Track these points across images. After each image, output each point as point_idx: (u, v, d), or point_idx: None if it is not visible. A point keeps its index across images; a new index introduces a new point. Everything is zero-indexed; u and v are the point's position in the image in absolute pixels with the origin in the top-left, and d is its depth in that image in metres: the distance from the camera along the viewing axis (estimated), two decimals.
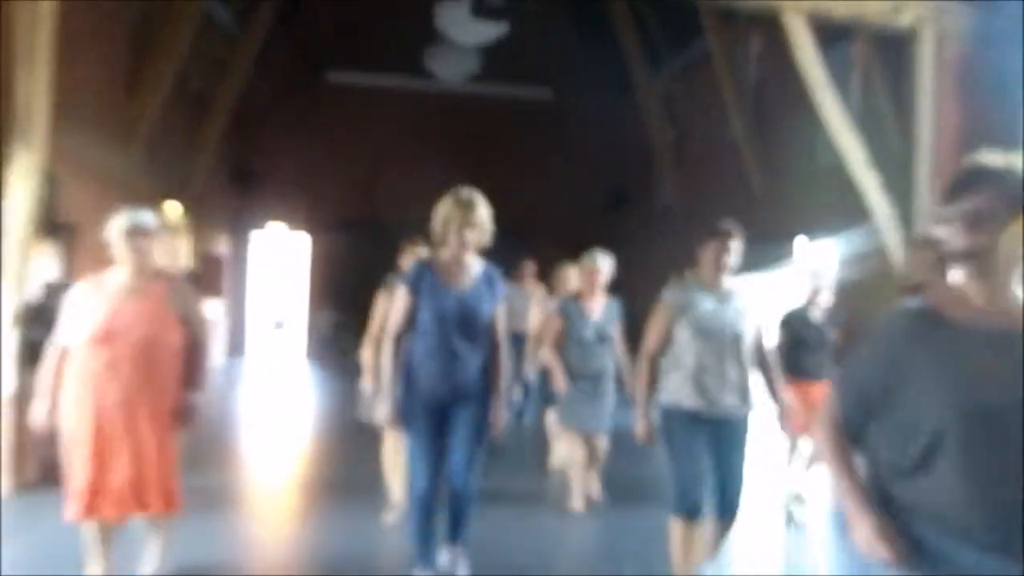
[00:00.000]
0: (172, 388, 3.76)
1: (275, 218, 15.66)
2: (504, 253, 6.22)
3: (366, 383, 5.19)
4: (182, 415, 3.80)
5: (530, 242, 10.19)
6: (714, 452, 3.86)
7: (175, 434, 3.82)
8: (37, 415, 3.72)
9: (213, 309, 13.50)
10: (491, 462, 5.62)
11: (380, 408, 4.13)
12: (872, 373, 2.06)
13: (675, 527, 3.89)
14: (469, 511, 4.07)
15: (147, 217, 3.78)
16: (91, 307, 3.66)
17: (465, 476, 3.96)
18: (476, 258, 4.01)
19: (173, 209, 11.30)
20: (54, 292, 6.12)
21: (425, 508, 3.97)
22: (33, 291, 6.02)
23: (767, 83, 11.07)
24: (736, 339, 3.88)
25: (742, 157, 11.07)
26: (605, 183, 15.89)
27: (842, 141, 7.16)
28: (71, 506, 3.66)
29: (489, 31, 11.49)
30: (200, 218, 12.63)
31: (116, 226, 3.69)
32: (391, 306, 4.24)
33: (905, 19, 6.86)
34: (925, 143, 6.89)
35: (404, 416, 3.95)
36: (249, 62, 12.88)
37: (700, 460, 3.82)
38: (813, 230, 9.24)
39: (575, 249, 6.45)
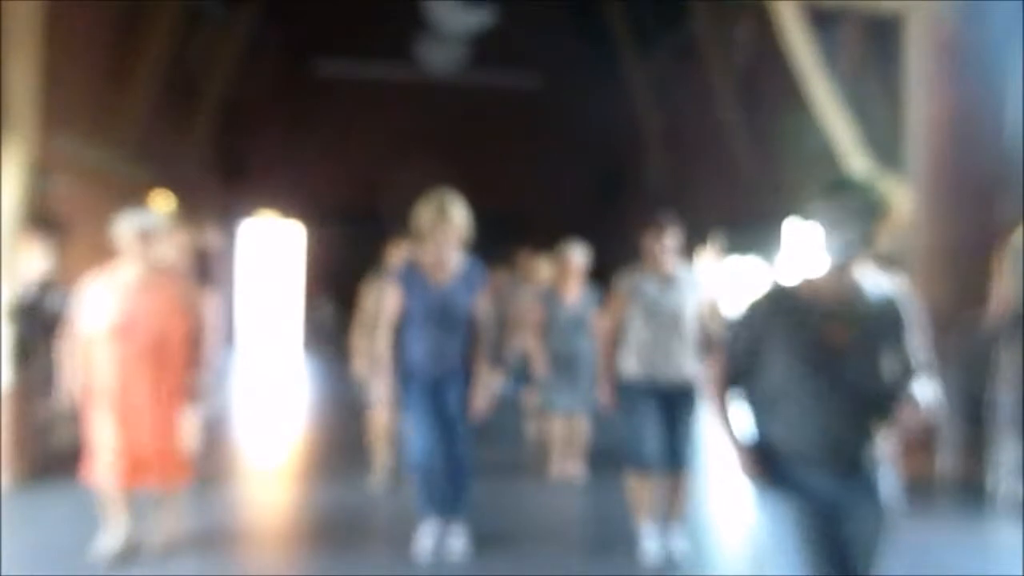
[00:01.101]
0: (180, 371, 4.24)
1: (267, 207, 15.62)
2: (496, 241, 6.31)
3: (359, 366, 5.79)
4: (190, 393, 4.29)
5: (521, 230, 10.21)
6: (663, 417, 4.40)
7: (185, 412, 4.31)
8: (66, 395, 4.23)
9: (209, 299, 13.45)
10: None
11: (378, 387, 4.77)
12: (745, 337, 2.69)
13: (631, 480, 4.57)
14: (465, 485, 4.54)
15: (154, 218, 4.31)
16: (108, 301, 4.11)
17: (457, 451, 4.45)
18: (457, 254, 4.46)
19: (164, 200, 11.26)
20: (45, 288, 6.11)
21: (427, 473, 4.47)
22: (25, 286, 6.00)
23: (757, 67, 11.08)
24: (678, 318, 4.40)
25: (732, 141, 11.08)
26: (596, 170, 15.89)
27: (832, 125, 7.18)
28: (99, 475, 4.17)
29: (478, 19, 11.46)
30: (191, 209, 12.58)
31: (127, 228, 4.13)
32: (381, 298, 4.84)
33: (894, 2, 6.87)
34: (915, 127, 6.91)
35: (402, 394, 4.47)
36: (239, 52, 12.81)
37: (649, 422, 4.38)
38: (800, 209, 9.28)
39: (567, 237, 6.50)
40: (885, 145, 7.37)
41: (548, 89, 15.97)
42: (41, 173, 6.72)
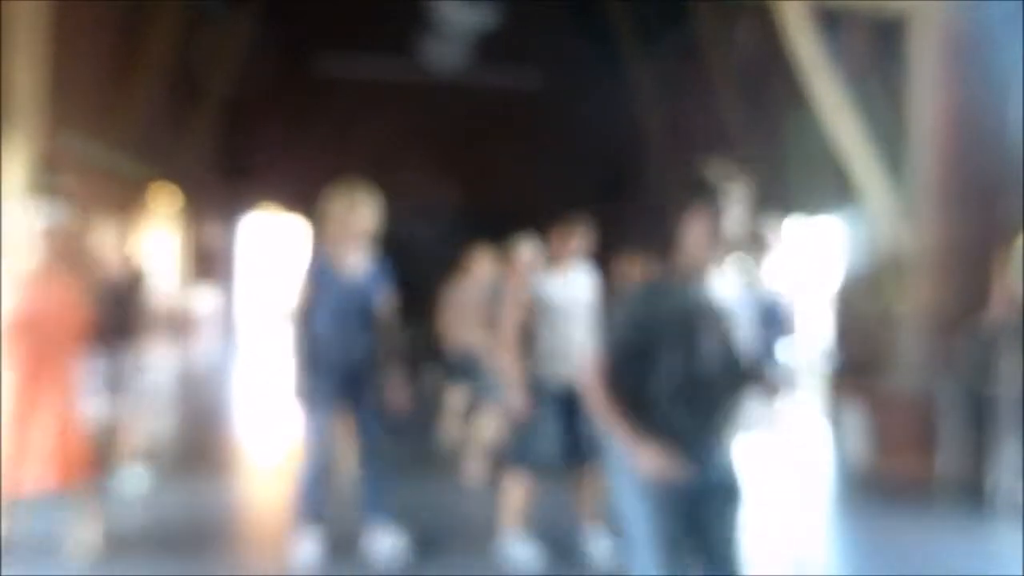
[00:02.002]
0: (72, 367, 4.09)
1: (269, 202, 15.64)
2: (496, 240, 6.32)
3: None
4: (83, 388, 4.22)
5: (521, 229, 10.20)
6: (565, 414, 4.26)
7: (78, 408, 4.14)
8: None
9: (207, 294, 13.50)
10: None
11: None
12: (624, 330, 2.69)
13: (511, 481, 4.42)
14: (384, 485, 4.43)
15: (55, 211, 4.06)
16: (9, 297, 3.92)
17: (373, 449, 4.38)
18: (367, 248, 4.39)
19: (166, 195, 11.28)
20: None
21: (320, 477, 4.36)
22: None
23: (759, 67, 11.08)
24: (576, 313, 4.38)
25: (734, 141, 11.08)
26: (597, 169, 15.88)
27: (835, 125, 7.18)
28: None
29: (480, 17, 11.46)
30: (193, 205, 12.61)
31: (30, 221, 3.96)
32: None
33: (899, 2, 6.87)
34: (918, 127, 6.91)
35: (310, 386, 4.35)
36: (241, 50, 12.81)
37: (545, 420, 4.28)
38: (804, 210, 9.29)
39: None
40: (889, 145, 7.37)
41: (549, 88, 15.95)
42: (45, 170, 6.75)
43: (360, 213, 4.27)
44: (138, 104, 9.75)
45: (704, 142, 12.61)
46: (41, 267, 3.99)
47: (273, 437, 7.79)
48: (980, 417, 5.85)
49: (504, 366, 4.51)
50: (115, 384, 5.29)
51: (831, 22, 7.84)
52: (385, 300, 4.45)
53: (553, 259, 4.56)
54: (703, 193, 2.69)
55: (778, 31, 7.33)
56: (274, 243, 16.39)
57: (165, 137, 11.31)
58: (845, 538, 5.51)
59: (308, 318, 4.30)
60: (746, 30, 11.40)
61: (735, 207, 2.69)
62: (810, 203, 9.17)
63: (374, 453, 4.40)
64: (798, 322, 4.84)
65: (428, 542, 4.59)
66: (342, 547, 4.40)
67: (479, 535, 4.73)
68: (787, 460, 5.83)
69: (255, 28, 12.95)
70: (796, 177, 9.53)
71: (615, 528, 4.23)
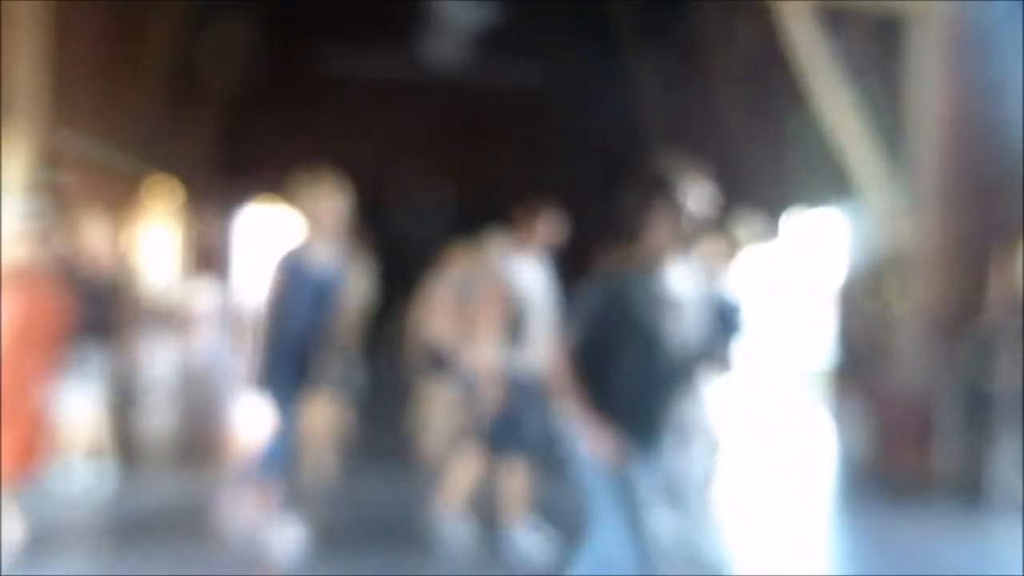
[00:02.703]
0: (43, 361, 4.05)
1: (270, 194, 15.60)
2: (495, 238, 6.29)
3: None
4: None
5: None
6: (526, 405, 4.30)
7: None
8: None
9: (205, 288, 13.49)
10: None
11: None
12: (586, 319, 2.85)
13: (468, 464, 4.49)
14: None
15: (37, 207, 4.07)
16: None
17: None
18: (337, 240, 4.45)
19: (166, 190, 11.28)
20: None
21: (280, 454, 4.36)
22: None
23: (760, 64, 11.07)
24: (539, 302, 4.39)
25: (735, 139, 11.09)
26: (598, 167, 15.86)
27: (836, 123, 7.19)
28: None
29: (481, 15, 11.46)
30: (193, 199, 12.61)
31: (15, 217, 3.93)
32: None
33: (900, 1, 6.87)
34: (919, 126, 6.91)
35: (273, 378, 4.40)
36: (241, 46, 12.79)
37: (511, 409, 4.29)
38: (805, 208, 9.31)
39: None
40: (889, 144, 7.38)
41: (550, 86, 15.92)
42: (44, 167, 6.74)
43: (327, 205, 4.30)
44: (138, 101, 9.74)
45: (704, 140, 12.61)
46: (19, 267, 3.93)
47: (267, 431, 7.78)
48: (979, 414, 5.87)
49: (477, 359, 4.49)
50: (88, 379, 5.21)
51: (832, 20, 7.84)
52: (347, 291, 4.51)
53: (518, 248, 4.53)
54: (662, 188, 2.85)
55: (779, 29, 7.32)
56: (272, 236, 16.39)
57: (165, 133, 11.30)
58: (845, 534, 5.53)
59: (275, 309, 4.31)
60: (747, 28, 11.39)
61: (695, 202, 2.84)
62: (811, 201, 9.18)
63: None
64: (749, 321, 4.86)
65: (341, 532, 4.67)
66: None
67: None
68: (788, 456, 5.84)
69: (256, 23, 12.93)
70: (797, 175, 9.54)
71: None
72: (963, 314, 6.12)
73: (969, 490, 5.80)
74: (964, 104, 6.60)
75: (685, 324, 2.90)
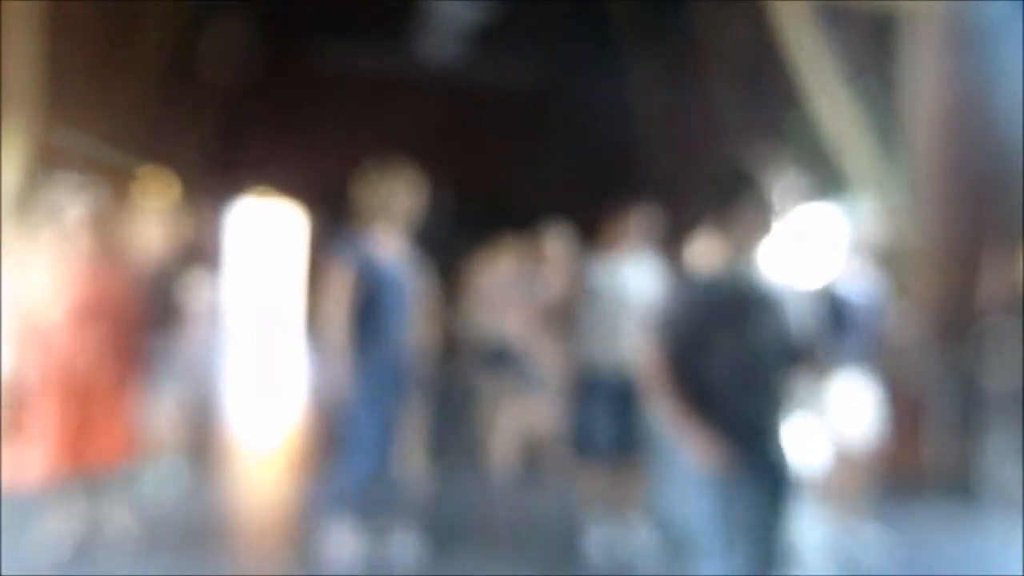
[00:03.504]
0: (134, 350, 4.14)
1: (265, 188, 15.60)
2: (495, 238, 6.32)
3: None
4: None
5: (521, 226, 10.20)
6: (615, 403, 4.20)
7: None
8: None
9: (199, 283, 13.44)
10: None
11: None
12: (679, 319, 2.72)
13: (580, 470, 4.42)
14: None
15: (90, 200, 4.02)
16: (61, 283, 3.91)
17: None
18: (403, 234, 4.26)
19: (164, 189, 11.25)
20: None
21: (363, 477, 4.10)
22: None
23: (759, 64, 11.08)
24: (629, 302, 4.24)
25: (734, 138, 11.10)
26: (597, 167, 15.85)
27: (834, 122, 7.20)
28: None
29: (478, 13, 11.46)
30: (189, 197, 12.58)
31: (75, 205, 3.92)
32: None
33: (898, 1, 6.89)
34: (916, 125, 6.93)
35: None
36: (237, 40, 12.76)
37: (594, 410, 4.22)
38: (804, 206, 9.31)
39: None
40: (886, 142, 7.40)
41: (548, 85, 15.91)
42: (39, 165, 6.73)
43: (400, 197, 4.18)
44: (135, 97, 9.72)
45: (703, 138, 12.62)
46: (89, 253, 3.92)
47: (266, 428, 7.80)
48: (972, 410, 5.90)
49: (544, 356, 4.47)
50: (173, 371, 5.25)
51: (829, 18, 7.86)
52: (427, 287, 4.28)
53: (605, 247, 4.41)
54: (749, 182, 2.78)
55: (777, 27, 7.33)
56: (267, 230, 16.40)
57: (160, 129, 11.27)
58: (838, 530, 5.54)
59: (349, 309, 3.96)
60: (745, 26, 11.40)
61: (784, 197, 2.80)
62: (808, 198, 9.19)
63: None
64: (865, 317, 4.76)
65: (451, 536, 4.49)
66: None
67: (505, 527, 4.75)
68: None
69: (252, 20, 12.90)
70: (795, 173, 9.54)
71: (657, 520, 4.38)
72: (959, 311, 6.14)
73: (961, 487, 5.83)
74: (961, 102, 6.62)
75: (781, 320, 2.76)
